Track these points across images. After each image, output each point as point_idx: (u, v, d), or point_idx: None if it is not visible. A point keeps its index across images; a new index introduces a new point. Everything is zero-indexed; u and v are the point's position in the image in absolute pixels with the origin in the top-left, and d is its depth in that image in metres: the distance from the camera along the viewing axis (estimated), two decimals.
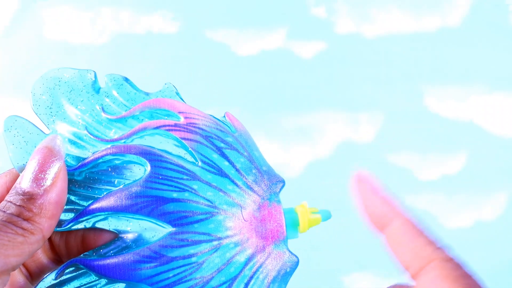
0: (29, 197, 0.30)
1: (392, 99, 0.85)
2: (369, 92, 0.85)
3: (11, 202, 0.30)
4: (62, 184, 0.31)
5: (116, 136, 0.35)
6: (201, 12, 0.87)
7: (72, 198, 0.34)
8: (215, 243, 0.33)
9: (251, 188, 0.34)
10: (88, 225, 0.34)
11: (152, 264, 0.32)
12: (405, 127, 0.85)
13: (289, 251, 0.34)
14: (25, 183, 0.31)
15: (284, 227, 0.34)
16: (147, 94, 0.37)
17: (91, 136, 0.35)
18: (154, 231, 0.33)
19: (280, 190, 0.35)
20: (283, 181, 0.36)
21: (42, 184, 0.31)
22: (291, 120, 0.85)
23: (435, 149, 0.85)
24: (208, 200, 0.34)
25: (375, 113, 0.85)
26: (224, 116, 0.39)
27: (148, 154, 0.34)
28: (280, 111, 0.85)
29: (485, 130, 0.84)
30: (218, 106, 0.86)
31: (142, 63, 0.87)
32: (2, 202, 0.31)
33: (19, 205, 0.30)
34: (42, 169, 0.31)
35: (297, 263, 0.34)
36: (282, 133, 0.84)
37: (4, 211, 0.30)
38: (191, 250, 0.33)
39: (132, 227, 0.34)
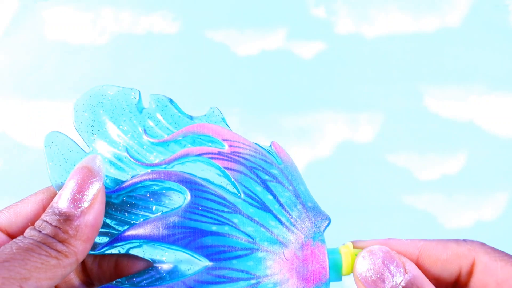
0: (66, 218, 0.29)
1: (392, 99, 0.85)
2: (369, 92, 0.85)
3: (47, 222, 0.29)
4: (99, 206, 0.30)
5: (157, 161, 0.34)
6: (201, 12, 0.87)
7: (108, 221, 0.33)
8: (253, 281, 0.32)
9: (294, 225, 0.33)
10: (123, 251, 0.33)
11: None
12: (405, 127, 0.85)
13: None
14: (62, 203, 0.30)
15: (327, 269, 0.33)
16: (191, 117, 0.36)
17: (131, 159, 0.34)
18: (190, 263, 0.33)
19: (325, 229, 0.34)
20: (328, 219, 0.34)
21: (79, 205, 0.30)
22: (291, 120, 0.85)
23: (435, 149, 0.85)
24: (249, 236, 0.32)
25: (375, 113, 0.85)
26: (271, 146, 0.36)
27: (188, 183, 0.33)
28: (280, 111, 0.85)
29: (485, 130, 0.84)
30: (218, 106, 0.86)
31: (142, 63, 0.87)
32: (38, 221, 0.30)
33: (55, 226, 0.29)
34: (81, 189, 0.30)
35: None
36: (282, 133, 0.84)
37: (39, 231, 0.29)
38: (228, 287, 0.32)
39: (168, 257, 0.33)
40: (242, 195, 0.33)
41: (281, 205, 0.34)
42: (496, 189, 0.84)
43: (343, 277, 0.34)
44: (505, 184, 0.84)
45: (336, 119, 0.85)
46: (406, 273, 0.30)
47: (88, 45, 0.87)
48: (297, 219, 0.34)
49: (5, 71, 0.88)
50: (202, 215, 0.32)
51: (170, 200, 0.34)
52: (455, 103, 0.85)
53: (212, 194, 0.33)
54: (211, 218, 0.32)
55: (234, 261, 0.32)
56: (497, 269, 0.32)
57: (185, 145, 0.35)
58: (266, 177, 0.34)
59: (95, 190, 0.30)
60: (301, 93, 0.86)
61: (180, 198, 0.34)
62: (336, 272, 0.33)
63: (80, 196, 0.30)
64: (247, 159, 0.34)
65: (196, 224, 0.32)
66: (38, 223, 0.30)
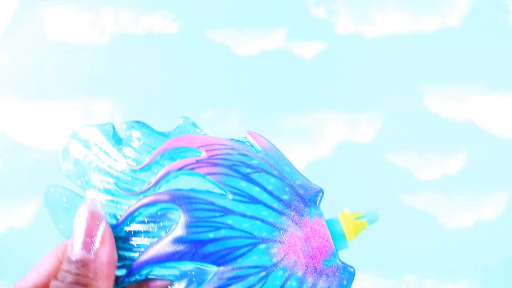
0: (83, 264, 0.31)
1: (392, 99, 0.85)
2: (369, 92, 0.85)
3: (67, 271, 0.31)
4: (110, 243, 0.32)
5: (145, 186, 0.35)
6: (201, 12, 0.87)
7: (121, 254, 0.34)
8: (262, 274, 0.32)
9: (288, 208, 0.34)
10: (141, 277, 0.34)
11: None
12: (405, 127, 0.85)
13: (343, 263, 0.34)
14: (75, 251, 0.32)
15: (331, 241, 0.33)
16: (164, 135, 0.37)
17: (121, 191, 0.35)
18: (201, 272, 0.33)
19: (320, 201, 0.35)
20: (321, 191, 0.35)
21: (91, 248, 0.32)
22: (291, 120, 0.85)
23: (435, 149, 0.85)
24: (246, 232, 0.33)
25: (375, 113, 0.85)
26: (246, 137, 0.37)
27: (177, 199, 0.34)
28: (280, 111, 0.85)
29: (485, 130, 0.84)
30: (218, 106, 0.86)
31: (142, 63, 0.87)
32: (60, 272, 0.32)
33: (75, 273, 0.31)
34: (89, 234, 0.32)
35: (353, 274, 0.34)
36: (282, 133, 0.84)
37: (63, 281, 0.31)
38: (241, 286, 0.32)
39: (181, 273, 0.34)
40: (230, 195, 0.34)
41: (269, 193, 0.34)
42: (496, 189, 0.84)
43: (349, 243, 0.34)
44: (505, 184, 0.84)
45: (336, 119, 0.85)
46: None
47: (88, 45, 0.87)
48: (289, 202, 0.34)
49: (5, 71, 0.88)
50: (197, 226, 0.33)
51: (169, 219, 0.34)
52: (455, 103, 0.85)
53: (200, 203, 0.34)
54: (206, 226, 0.33)
55: (239, 260, 0.33)
56: None
57: (164, 164, 0.35)
58: (248, 170, 0.34)
59: (102, 230, 0.33)
60: (301, 93, 0.86)
61: (176, 215, 0.34)
62: (341, 240, 0.34)
63: (90, 240, 0.32)
64: (225, 159, 0.35)
65: (194, 236, 0.33)
66: (60, 275, 0.32)
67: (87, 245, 0.32)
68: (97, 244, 0.32)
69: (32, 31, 0.87)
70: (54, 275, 0.34)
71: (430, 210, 0.84)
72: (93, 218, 0.33)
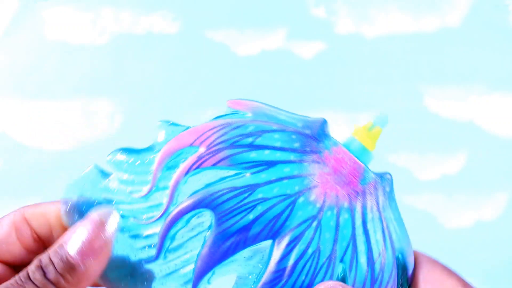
0: (70, 268, 0.30)
1: (392, 99, 0.85)
2: (369, 92, 0.85)
3: (53, 264, 0.30)
4: (103, 262, 0.31)
5: (162, 206, 0.34)
6: (201, 12, 0.87)
7: (176, 275, 0.33)
8: (314, 223, 0.32)
9: (304, 153, 0.33)
10: (210, 284, 0.33)
11: (283, 281, 0.32)
12: (405, 127, 0.85)
13: (377, 174, 0.34)
14: (71, 249, 0.30)
15: (357, 160, 0.34)
16: (151, 148, 0.35)
17: (142, 223, 0.33)
18: (259, 252, 0.33)
19: (328, 131, 0.34)
20: (324, 121, 0.35)
21: (86, 259, 0.30)
22: None
23: (435, 149, 0.85)
24: (280, 196, 0.32)
25: (375, 113, 0.85)
26: (229, 107, 0.36)
27: (199, 203, 0.33)
28: None
29: (485, 130, 0.84)
30: (218, 106, 0.86)
31: (142, 63, 0.87)
32: (45, 257, 0.30)
33: (60, 273, 0.30)
34: (91, 243, 0.31)
35: (391, 178, 0.34)
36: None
37: (44, 274, 0.30)
38: (302, 246, 0.32)
39: (240, 264, 0.33)
40: (247, 173, 0.33)
41: (280, 149, 0.33)
42: (496, 189, 0.84)
43: (373, 153, 0.35)
44: (505, 184, 0.84)
45: (336, 119, 0.85)
46: None
47: (88, 45, 0.87)
48: (302, 147, 0.33)
49: (5, 71, 0.88)
50: (233, 216, 0.32)
51: (200, 226, 0.33)
52: (455, 103, 0.85)
53: (224, 194, 0.33)
54: (241, 212, 0.32)
55: (287, 224, 0.32)
56: (426, 270, 0.34)
57: (169, 176, 0.34)
58: (249, 139, 0.33)
59: (103, 246, 0.31)
60: (301, 93, 0.86)
61: (204, 217, 0.33)
62: (365, 155, 0.34)
63: (89, 251, 0.30)
64: (223, 141, 0.33)
65: (236, 226, 0.32)
66: (44, 261, 0.30)
67: (84, 253, 0.30)
68: (93, 259, 0.30)
69: (32, 31, 0.87)
70: (6, 243, 0.33)
71: (430, 210, 0.84)
72: (101, 228, 0.31)
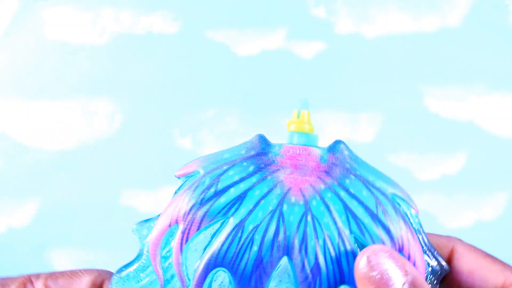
0: None
1: (392, 99, 0.85)
2: (369, 92, 0.85)
3: None
4: None
5: (190, 273, 0.35)
6: (201, 12, 0.87)
7: None
8: (309, 218, 0.33)
9: (261, 170, 0.34)
10: None
11: (318, 283, 0.33)
12: (405, 127, 0.85)
13: (330, 146, 0.35)
14: None
15: (309, 148, 0.35)
16: (141, 253, 0.36)
17: None
18: (284, 272, 0.34)
19: (267, 140, 0.36)
20: (260, 136, 0.36)
21: None
22: None
23: (435, 149, 0.85)
24: (266, 216, 0.34)
25: (375, 113, 0.85)
26: (180, 177, 0.36)
27: (207, 268, 0.34)
28: (280, 111, 0.85)
29: (485, 130, 0.84)
30: (218, 106, 0.86)
31: (142, 63, 0.87)
32: None
33: None
34: None
35: (341, 141, 0.35)
36: (282, 133, 0.84)
37: None
38: (312, 243, 0.33)
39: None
40: (229, 218, 0.34)
41: (241, 180, 0.34)
42: (496, 189, 0.84)
43: (314, 135, 0.36)
44: (505, 184, 0.84)
45: (336, 119, 0.85)
46: (407, 275, 0.31)
47: (88, 45, 0.87)
48: (256, 167, 0.35)
49: (5, 71, 0.88)
50: (241, 258, 0.33)
51: (222, 287, 0.34)
52: (455, 103, 0.85)
53: (222, 246, 0.34)
54: (245, 250, 0.33)
55: (288, 233, 0.33)
56: (470, 259, 0.36)
57: (168, 266, 0.35)
58: (212, 190, 0.35)
59: None
60: (301, 93, 0.86)
61: (221, 277, 0.34)
62: (310, 139, 0.36)
63: None
64: (192, 206, 0.34)
65: (248, 264, 0.33)
66: None
67: None
68: None
69: (32, 31, 0.87)
70: None
71: (430, 210, 0.84)
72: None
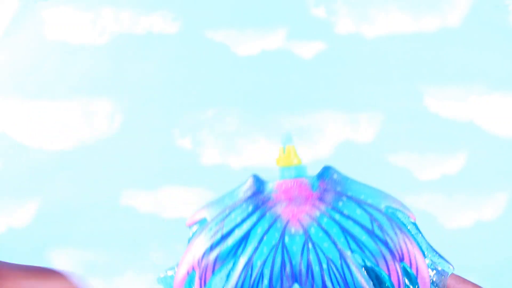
0: None
1: (392, 99, 0.85)
2: (369, 92, 0.85)
3: None
4: None
5: None
6: (201, 13, 0.87)
7: None
8: (310, 246, 0.35)
9: (260, 208, 0.36)
10: None
11: None
12: (405, 127, 0.85)
13: (319, 173, 0.37)
14: None
15: (298, 179, 0.36)
16: (172, 268, 0.39)
17: None
18: None
19: (259, 180, 0.37)
20: (253, 176, 0.37)
21: None
22: (291, 120, 0.85)
23: (435, 149, 0.85)
24: (271, 250, 0.35)
25: (375, 113, 0.85)
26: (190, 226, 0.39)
27: None
28: (280, 111, 0.85)
29: (485, 130, 0.84)
30: (218, 106, 0.86)
31: (142, 63, 0.87)
32: None
33: None
34: None
35: (329, 166, 0.37)
36: (282, 133, 0.84)
37: None
38: (316, 268, 0.34)
39: None
40: (239, 257, 0.36)
41: (243, 221, 0.36)
42: (496, 189, 0.84)
43: (303, 166, 0.38)
44: (505, 184, 0.84)
45: (336, 119, 0.85)
46: None
47: (88, 45, 0.87)
48: (255, 206, 0.36)
49: (5, 71, 0.88)
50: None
51: None
52: (455, 103, 0.85)
53: (237, 283, 0.36)
54: (258, 284, 0.35)
55: (293, 262, 0.35)
56: None
57: None
58: (219, 234, 0.37)
59: None
60: (301, 93, 0.86)
61: None
62: (300, 170, 0.38)
63: None
64: (204, 253, 0.37)
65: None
66: None
67: None
68: None
69: (32, 31, 0.87)
70: None
71: (430, 210, 0.84)
72: None
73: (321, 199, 0.36)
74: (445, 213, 0.84)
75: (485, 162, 0.84)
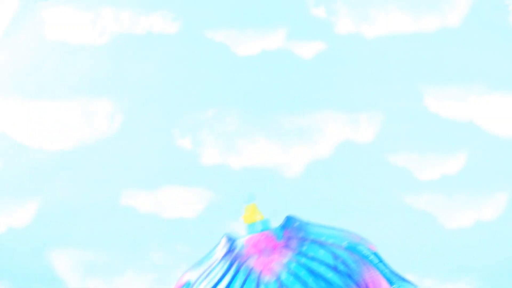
0: None
1: (392, 99, 0.85)
2: (369, 92, 0.85)
3: None
4: None
5: None
6: (201, 12, 0.87)
7: None
8: None
9: (233, 264, 0.40)
10: None
11: None
12: (405, 127, 0.85)
13: (282, 224, 0.41)
14: None
15: (264, 232, 0.41)
16: None
17: None
18: None
19: (230, 243, 0.41)
20: (225, 235, 0.42)
21: None
22: (291, 120, 0.85)
23: (435, 149, 0.85)
24: None
25: (375, 113, 0.85)
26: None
27: None
28: (280, 111, 0.85)
29: (485, 130, 0.84)
30: (218, 106, 0.86)
31: (142, 63, 0.87)
32: None
33: None
34: None
35: (290, 216, 0.41)
36: (282, 133, 0.84)
37: None
38: None
39: None
40: None
41: (220, 279, 0.40)
42: (496, 189, 0.84)
43: (266, 218, 0.42)
44: (505, 184, 0.84)
45: (336, 119, 0.85)
46: None
47: (88, 45, 0.87)
48: (230, 263, 0.41)
49: (5, 71, 0.88)
50: None
51: None
52: (455, 103, 0.85)
53: None
54: None
55: None
56: None
57: None
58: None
59: None
60: (301, 93, 0.86)
61: None
62: (264, 224, 0.42)
63: None
64: None
65: None
66: None
67: None
68: None
69: (32, 31, 0.87)
70: None
71: (430, 210, 0.84)
72: None
73: (287, 246, 0.40)
74: (445, 213, 0.84)
75: (485, 162, 0.84)
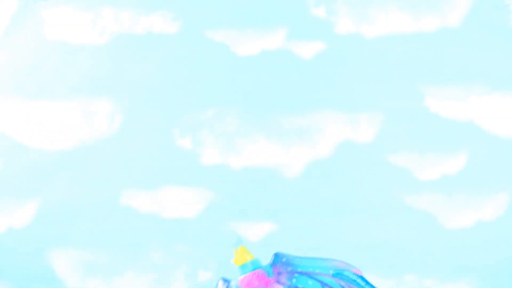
0: None
1: (392, 99, 0.85)
2: (369, 92, 0.85)
3: None
4: None
5: None
6: (201, 12, 0.87)
7: None
8: None
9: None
10: None
11: None
12: (405, 127, 0.85)
13: (271, 262, 0.44)
14: None
15: (255, 270, 0.44)
16: None
17: None
18: None
19: (226, 280, 0.45)
20: (221, 279, 0.45)
21: None
22: (291, 120, 0.85)
23: (435, 149, 0.85)
24: None
25: (375, 113, 0.85)
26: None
27: None
28: (280, 111, 0.85)
29: (485, 130, 0.84)
30: (218, 106, 0.86)
31: (142, 63, 0.87)
32: None
33: None
34: None
35: (277, 253, 0.44)
36: (282, 133, 0.84)
37: None
38: None
39: None
40: None
41: None
42: (497, 189, 0.84)
43: (256, 258, 0.45)
44: (505, 184, 0.84)
45: (336, 119, 0.85)
46: None
47: (88, 45, 0.87)
48: None
49: (5, 71, 0.88)
50: None
51: None
52: (455, 103, 0.85)
53: None
54: None
55: None
56: None
57: None
58: None
59: None
60: (301, 93, 0.86)
61: None
62: (254, 264, 0.45)
63: None
64: None
65: None
66: None
67: None
68: None
69: (32, 31, 0.87)
70: None
71: (430, 210, 0.84)
72: None
73: (278, 281, 0.42)
74: (445, 213, 0.84)
75: (485, 162, 0.84)
